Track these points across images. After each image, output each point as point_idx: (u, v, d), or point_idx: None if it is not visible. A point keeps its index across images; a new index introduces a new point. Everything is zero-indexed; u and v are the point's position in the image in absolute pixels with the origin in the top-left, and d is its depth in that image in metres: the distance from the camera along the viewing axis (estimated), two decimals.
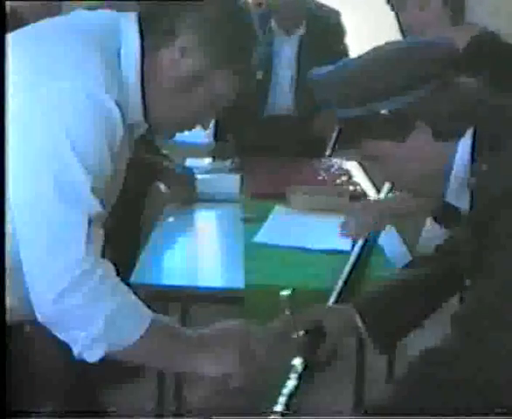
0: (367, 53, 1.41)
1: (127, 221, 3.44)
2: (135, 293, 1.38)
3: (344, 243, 2.23)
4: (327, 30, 3.39)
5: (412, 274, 1.69)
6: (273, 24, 3.37)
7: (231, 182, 2.98)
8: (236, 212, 2.70)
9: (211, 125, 3.60)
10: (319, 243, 2.29)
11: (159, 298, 2.14)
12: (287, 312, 1.58)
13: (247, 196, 2.86)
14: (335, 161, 3.28)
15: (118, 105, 1.27)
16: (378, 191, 1.96)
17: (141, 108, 1.37)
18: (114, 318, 1.26)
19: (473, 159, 1.34)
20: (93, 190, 1.26)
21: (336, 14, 3.50)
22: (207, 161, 3.42)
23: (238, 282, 2.07)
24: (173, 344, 1.36)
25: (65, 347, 1.29)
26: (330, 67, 1.42)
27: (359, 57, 1.42)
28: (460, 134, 1.35)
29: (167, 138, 1.49)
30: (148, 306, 1.37)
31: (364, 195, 2.83)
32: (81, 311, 1.24)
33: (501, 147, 1.32)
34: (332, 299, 1.79)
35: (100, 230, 1.31)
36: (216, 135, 3.64)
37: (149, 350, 1.32)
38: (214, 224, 2.81)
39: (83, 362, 1.29)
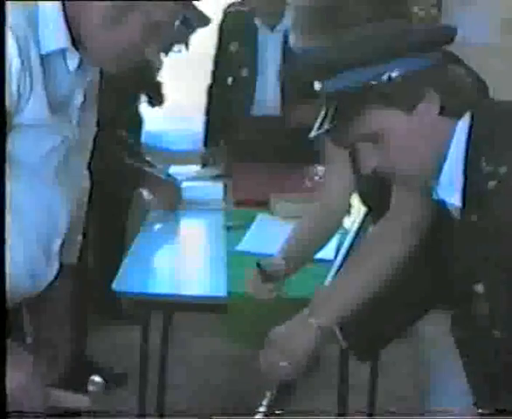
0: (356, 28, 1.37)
1: (110, 227, 3.44)
2: (120, 301, 1.35)
3: (327, 252, 2.23)
4: None
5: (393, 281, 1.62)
6: (256, 21, 3.38)
7: (215, 190, 2.98)
8: (219, 220, 2.69)
9: (201, 129, 3.61)
10: None
11: (141, 305, 2.13)
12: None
13: (231, 204, 2.86)
14: (320, 168, 3.28)
15: (15, 34, 1.23)
16: (364, 200, 1.94)
17: (65, 35, 1.31)
18: None
19: (473, 154, 1.29)
20: None
21: None
22: (192, 168, 3.42)
23: (220, 290, 2.06)
24: None
25: None
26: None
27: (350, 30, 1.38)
28: (460, 115, 1.30)
29: (113, 71, 1.42)
30: (132, 314, 1.35)
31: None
32: None
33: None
34: None
35: None
36: (206, 141, 3.64)
37: None
38: (197, 232, 2.80)
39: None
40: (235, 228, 2.56)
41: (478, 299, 1.33)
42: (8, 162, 1.26)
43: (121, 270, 2.19)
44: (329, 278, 1.97)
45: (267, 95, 3.43)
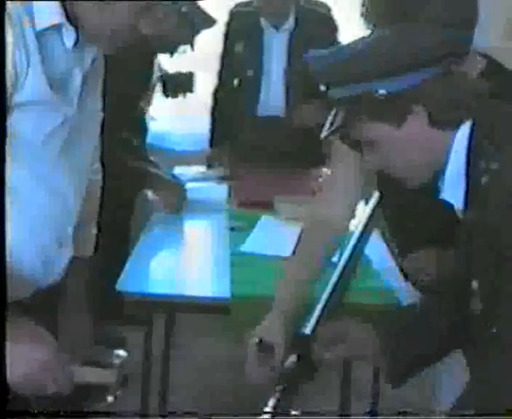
0: (370, 35, 1.42)
1: (115, 228, 3.44)
2: (122, 301, 1.36)
3: None
4: (317, 24, 3.37)
5: (436, 303, 1.59)
6: (261, 20, 3.37)
7: (219, 191, 2.98)
8: (223, 221, 2.69)
9: (204, 130, 3.61)
10: None
11: (144, 306, 2.13)
12: None
13: (235, 205, 2.85)
14: (325, 170, 3.28)
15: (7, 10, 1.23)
16: (367, 202, 1.94)
17: (58, 10, 1.31)
18: None
19: (474, 155, 1.33)
20: None
21: (326, 7, 3.50)
22: (196, 169, 3.41)
23: (224, 291, 2.06)
24: None
25: None
26: (329, 50, 1.41)
27: (362, 37, 1.42)
28: (458, 125, 1.35)
29: (110, 50, 1.42)
30: (134, 314, 1.36)
31: None
32: None
33: (505, 143, 1.31)
34: (318, 309, 1.78)
35: None
36: (211, 142, 3.64)
37: None
38: (201, 233, 2.80)
39: None
40: (239, 229, 2.56)
41: (473, 296, 1.36)
42: (10, 145, 1.25)
43: (124, 270, 2.19)
44: (333, 280, 1.96)
45: (271, 96, 3.42)
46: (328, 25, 3.46)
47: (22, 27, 1.27)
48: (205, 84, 3.63)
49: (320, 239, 1.81)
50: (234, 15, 3.44)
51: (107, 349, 1.45)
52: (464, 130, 1.35)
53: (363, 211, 2.31)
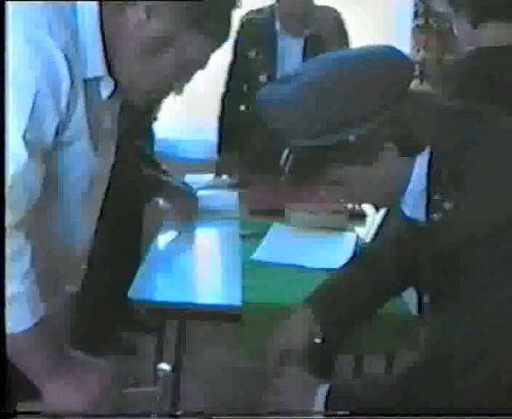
0: (319, 71, 1.34)
1: (126, 236, 3.44)
2: (133, 308, 1.38)
3: (343, 262, 2.22)
4: (331, 29, 3.39)
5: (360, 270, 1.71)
6: (277, 26, 3.38)
7: (229, 199, 2.98)
8: (235, 229, 2.69)
9: (215, 137, 3.61)
10: (317, 262, 2.29)
11: (156, 313, 2.13)
12: None
13: (246, 213, 2.86)
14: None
15: (65, 53, 1.23)
16: (377, 209, 1.94)
17: (102, 63, 1.31)
18: (12, 302, 1.22)
19: (432, 182, 1.33)
20: (28, 140, 1.20)
21: (337, 12, 3.51)
22: (207, 177, 3.42)
23: (235, 299, 2.06)
24: (44, 353, 1.30)
25: None
26: (280, 89, 1.35)
27: (313, 77, 1.34)
28: (422, 149, 1.33)
29: (141, 103, 1.43)
30: (145, 322, 1.37)
31: (363, 214, 2.83)
32: None
33: (463, 182, 1.28)
34: None
35: (31, 196, 1.25)
36: (220, 148, 3.64)
37: (24, 347, 1.27)
38: (212, 241, 2.80)
39: None
40: (250, 237, 2.56)
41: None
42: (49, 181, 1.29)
43: (136, 278, 2.19)
44: None
45: None
46: (341, 30, 3.47)
47: (75, 73, 1.27)
48: (216, 93, 3.63)
49: None
50: (245, 22, 3.44)
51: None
52: (424, 156, 1.34)
53: (373, 219, 2.31)
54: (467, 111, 1.37)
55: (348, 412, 1.37)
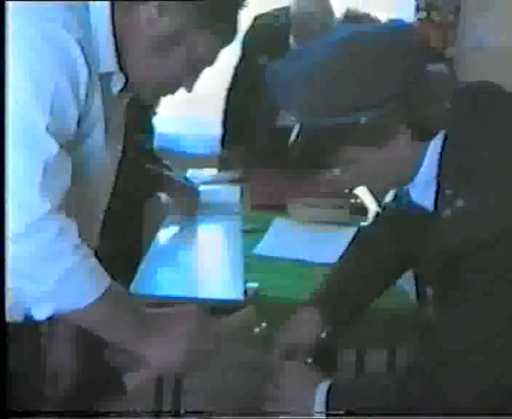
0: (331, 50, 1.30)
1: (128, 230, 3.44)
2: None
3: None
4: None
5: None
6: (291, 39, 3.27)
7: (231, 194, 2.98)
8: (236, 224, 2.69)
9: (218, 132, 3.61)
10: (319, 256, 2.28)
11: (158, 308, 2.12)
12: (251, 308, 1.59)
13: (248, 208, 2.86)
14: (337, 172, 3.26)
15: (81, 46, 1.25)
16: (379, 204, 1.94)
17: (113, 59, 1.33)
18: (68, 278, 1.22)
19: (443, 179, 1.31)
20: (52, 132, 1.21)
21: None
22: (209, 171, 3.42)
23: (237, 294, 2.06)
24: (125, 317, 1.32)
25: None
26: (291, 66, 1.33)
27: (325, 54, 1.30)
28: (435, 133, 1.30)
29: (151, 100, 1.46)
30: None
31: (364, 208, 2.82)
32: (34, 263, 1.20)
33: (474, 179, 1.26)
34: None
35: (64, 182, 1.26)
36: (223, 143, 3.63)
37: (100, 318, 1.28)
38: (214, 235, 2.80)
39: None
40: (252, 232, 2.56)
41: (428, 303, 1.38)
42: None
43: (138, 273, 2.19)
44: None
45: None
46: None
47: (91, 66, 1.28)
48: (219, 88, 3.62)
49: None
50: (256, 27, 3.39)
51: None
52: (437, 141, 1.31)
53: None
54: (485, 88, 1.35)
55: (348, 412, 1.36)
